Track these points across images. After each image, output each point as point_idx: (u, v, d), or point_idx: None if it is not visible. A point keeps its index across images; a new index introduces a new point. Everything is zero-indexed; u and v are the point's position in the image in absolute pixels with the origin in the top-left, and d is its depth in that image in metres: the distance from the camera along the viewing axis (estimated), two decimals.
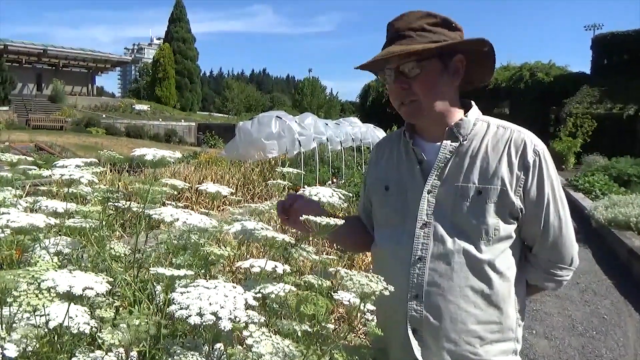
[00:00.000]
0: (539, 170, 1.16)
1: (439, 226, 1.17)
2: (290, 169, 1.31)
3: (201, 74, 62.71)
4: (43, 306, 0.73)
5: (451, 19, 1.19)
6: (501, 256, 1.17)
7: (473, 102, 1.26)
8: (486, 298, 1.16)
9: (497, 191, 1.14)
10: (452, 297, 1.15)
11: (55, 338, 0.92)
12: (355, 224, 1.41)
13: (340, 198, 1.08)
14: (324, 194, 1.06)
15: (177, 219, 0.93)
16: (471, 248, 1.15)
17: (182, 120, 40.89)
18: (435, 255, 1.17)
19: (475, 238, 1.15)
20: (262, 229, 1.07)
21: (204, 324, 0.76)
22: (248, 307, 0.83)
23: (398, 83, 1.18)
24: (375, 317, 1.33)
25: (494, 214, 1.14)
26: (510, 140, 1.18)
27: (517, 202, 1.15)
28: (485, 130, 1.21)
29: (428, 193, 1.19)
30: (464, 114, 1.23)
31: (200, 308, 0.78)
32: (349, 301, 0.93)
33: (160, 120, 38.97)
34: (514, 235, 1.18)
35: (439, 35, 1.16)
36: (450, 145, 1.20)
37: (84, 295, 0.72)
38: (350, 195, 1.37)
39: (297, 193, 1.22)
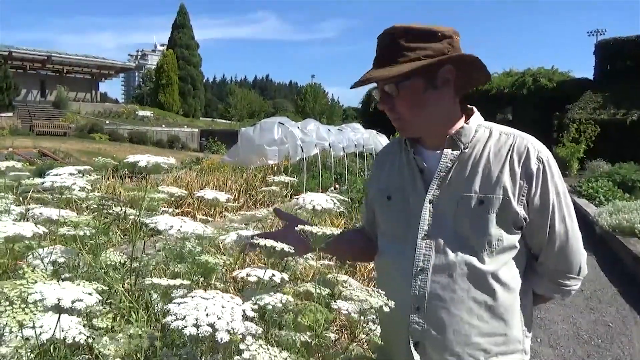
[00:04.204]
0: (542, 178, 1.12)
1: (441, 237, 1.14)
2: (284, 178, 1.29)
3: (204, 80, 63.01)
4: (30, 320, 0.71)
5: (436, 28, 1.12)
6: (505, 267, 1.13)
7: (475, 109, 1.23)
8: (490, 310, 1.13)
9: (500, 200, 1.11)
10: (454, 310, 1.12)
11: (52, 349, 0.90)
12: (355, 236, 1.40)
13: (335, 204, 1.05)
14: (318, 201, 1.02)
15: (172, 227, 0.91)
16: (474, 259, 1.12)
17: (185, 126, 41.04)
18: (437, 266, 1.14)
19: (478, 249, 1.12)
20: (256, 238, 1.05)
21: (201, 335, 0.74)
22: (246, 318, 0.81)
23: (382, 103, 1.18)
24: (378, 327, 1.31)
25: (497, 224, 1.11)
26: (513, 148, 1.14)
27: (521, 212, 1.12)
28: (488, 137, 1.17)
29: (430, 203, 1.16)
30: (466, 120, 1.20)
31: (196, 319, 0.76)
32: (347, 310, 0.90)
33: (164, 126, 39.11)
34: (518, 246, 1.15)
35: (420, 51, 1.10)
36: (451, 153, 1.16)
37: (73, 308, 0.70)
38: (348, 200, 1.35)
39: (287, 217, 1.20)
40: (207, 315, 0.77)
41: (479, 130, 1.18)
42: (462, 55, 1.13)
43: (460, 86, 1.18)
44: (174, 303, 0.80)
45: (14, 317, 0.69)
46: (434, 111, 1.16)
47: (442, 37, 1.12)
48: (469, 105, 1.24)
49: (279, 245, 1.01)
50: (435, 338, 1.13)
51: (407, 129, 1.20)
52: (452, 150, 1.17)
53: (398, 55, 1.11)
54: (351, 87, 1.20)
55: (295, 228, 1.11)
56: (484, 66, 1.16)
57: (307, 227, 1.05)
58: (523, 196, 1.12)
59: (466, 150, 1.16)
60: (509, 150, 1.14)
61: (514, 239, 1.13)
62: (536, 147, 1.14)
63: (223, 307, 0.79)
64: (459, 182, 1.15)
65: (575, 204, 9.83)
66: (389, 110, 1.18)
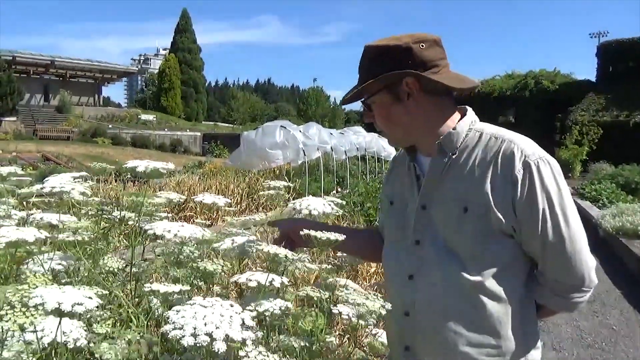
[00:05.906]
0: (529, 184, 1.04)
1: (430, 245, 1.13)
2: (280, 182, 1.29)
3: (206, 84, 63.31)
4: (32, 324, 0.71)
5: (392, 43, 1.10)
6: (495, 277, 1.09)
7: (470, 110, 1.17)
8: (478, 321, 1.10)
9: (483, 208, 1.06)
10: (441, 318, 1.11)
11: (53, 354, 0.90)
12: (370, 236, 1.41)
13: (333, 208, 1.04)
14: (315, 205, 1.02)
15: (169, 231, 0.91)
16: (460, 268, 1.09)
17: (188, 130, 41.16)
18: (425, 274, 1.13)
19: (464, 258, 1.09)
20: (256, 243, 1.04)
21: (198, 345, 0.73)
22: (246, 327, 0.80)
23: (365, 117, 1.23)
24: (379, 331, 1.33)
25: (481, 233, 1.07)
26: (499, 152, 1.08)
27: (506, 219, 1.05)
28: (477, 141, 1.12)
29: (423, 209, 1.15)
30: (456, 124, 1.14)
31: (194, 328, 0.75)
32: (347, 315, 0.90)
33: (166, 130, 39.21)
34: (509, 255, 1.10)
35: (385, 66, 1.09)
36: (439, 159, 1.13)
37: (73, 311, 0.70)
38: (350, 203, 1.36)
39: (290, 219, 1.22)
40: (205, 324, 0.76)
41: (470, 134, 1.13)
42: (394, 74, 1.09)
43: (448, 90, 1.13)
44: (173, 311, 0.79)
45: (15, 321, 0.69)
46: (407, 122, 1.15)
47: (397, 52, 1.10)
48: (463, 107, 1.19)
49: (282, 252, 1.01)
50: (423, 344, 1.14)
51: (391, 140, 1.24)
52: (440, 157, 1.13)
53: (365, 74, 1.14)
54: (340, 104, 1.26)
55: (300, 232, 1.09)
56: (429, 79, 1.09)
57: (312, 232, 1.05)
58: (508, 203, 1.05)
59: (454, 156, 1.12)
60: (495, 155, 1.08)
61: (504, 247, 1.08)
62: (524, 152, 1.07)
63: (222, 315, 0.79)
64: (446, 188, 1.12)
65: (578, 206, 9.79)
66: (374, 123, 1.21)
